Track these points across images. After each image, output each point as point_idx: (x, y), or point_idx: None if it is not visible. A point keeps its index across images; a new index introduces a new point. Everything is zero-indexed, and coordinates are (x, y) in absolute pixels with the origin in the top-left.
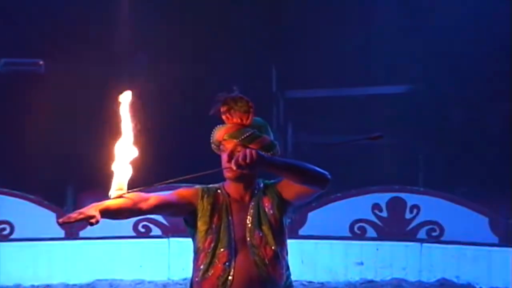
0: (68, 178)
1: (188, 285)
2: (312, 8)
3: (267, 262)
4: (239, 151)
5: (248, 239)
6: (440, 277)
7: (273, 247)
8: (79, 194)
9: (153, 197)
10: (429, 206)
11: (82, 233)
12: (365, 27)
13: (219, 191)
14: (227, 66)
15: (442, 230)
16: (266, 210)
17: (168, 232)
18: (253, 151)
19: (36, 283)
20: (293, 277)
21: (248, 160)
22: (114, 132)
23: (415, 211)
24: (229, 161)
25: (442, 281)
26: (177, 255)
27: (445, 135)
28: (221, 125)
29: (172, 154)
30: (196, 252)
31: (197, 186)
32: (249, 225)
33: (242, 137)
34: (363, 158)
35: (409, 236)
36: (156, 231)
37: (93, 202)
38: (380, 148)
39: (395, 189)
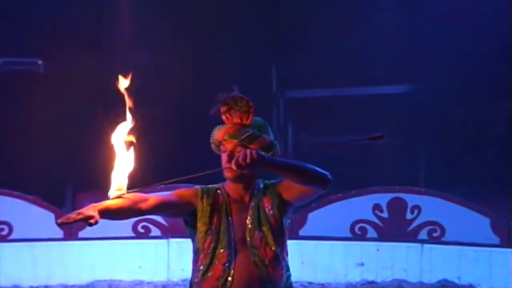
0: (67, 178)
1: (188, 285)
2: (312, 8)
3: (267, 263)
4: (239, 151)
5: (248, 239)
6: (441, 278)
7: (273, 248)
8: (78, 195)
9: (153, 198)
10: (430, 207)
11: (81, 234)
12: (365, 27)
13: (219, 191)
14: (227, 66)
15: (443, 230)
16: (266, 210)
17: (167, 232)
18: (253, 151)
19: (35, 284)
20: (293, 278)
21: (248, 160)
22: (114, 132)
23: (416, 211)
24: (229, 161)
25: (443, 282)
26: (176, 256)
27: (446, 135)
28: (221, 125)
29: (172, 154)
30: (196, 252)
31: (197, 187)
32: (249, 226)
33: (242, 137)
34: (364, 159)
35: (410, 236)
36: (155, 231)
37: (92, 203)
38: (380, 149)
39: (395, 190)
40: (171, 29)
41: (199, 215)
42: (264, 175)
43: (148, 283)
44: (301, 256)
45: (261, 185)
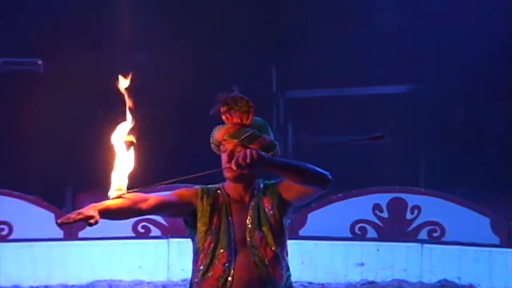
0: (67, 178)
1: (188, 286)
2: (312, 8)
3: (267, 263)
4: (239, 151)
5: (248, 239)
6: (441, 278)
7: (273, 248)
8: (78, 195)
9: (153, 198)
10: (430, 207)
11: (81, 234)
12: (365, 27)
13: (219, 191)
14: (227, 66)
15: (443, 230)
16: (266, 210)
17: (167, 232)
18: (254, 151)
19: (35, 284)
20: (293, 278)
21: (248, 160)
22: (114, 132)
23: (416, 211)
24: (229, 161)
25: (443, 282)
26: (176, 256)
27: (446, 135)
28: (221, 125)
29: (172, 154)
30: (196, 252)
31: (197, 187)
32: (249, 226)
33: (242, 137)
34: (364, 159)
35: (410, 236)
36: (155, 231)
37: (92, 203)
38: (380, 149)
39: (395, 190)
40: (171, 29)
41: (199, 215)
42: (264, 175)
43: (148, 283)
44: (301, 256)
45: (261, 185)
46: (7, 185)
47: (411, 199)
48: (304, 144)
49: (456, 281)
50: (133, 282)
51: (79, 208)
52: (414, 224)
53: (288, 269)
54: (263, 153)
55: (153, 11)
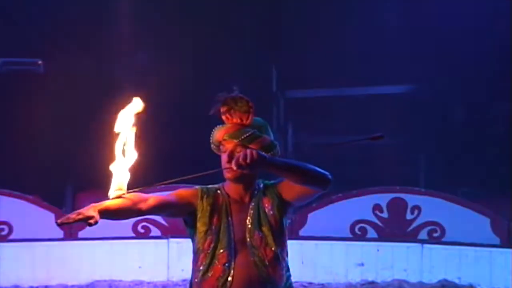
0: (67, 178)
1: (188, 286)
2: (312, 8)
3: (267, 263)
4: (239, 151)
5: (248, 240)
6: (441, 278)
7: (273, 248)
8: (78, 195)
9: (153, 198)
10: (430, 207)
11: (81, 234)
12: (365, 27)
13: (218, 191)
14: (227, 66)
15: (443, 231)
16: (266, 211)
17: (167, 232)
18: (254, 151)
19: (34, 284)
20: (293, 278)
21: (248, 160)
22: (114, 132)
23: (416, 211)
24: (229, 161)
25: (443, 282)
26: (176, 256)
27: (446, 135)
28: (221, 125)
29: (172, 154)
30: (196, 252)
31: (197, 187)
32: (249, 226)
33: (242, 137)
34: (364, 159)
35: (410, 237)
36: (155, 231)
37: (92, 203)
38: (380, 149)
39: (395, 190)
40: (171, 29)
41: (199, 215)
42: (264, 175)
43: (148, 283)
44: (301, 256)
45: (261, 185)
46: (7, 185)
47: (411, 199)
48: (304, 144)
49: (456, 281)
50: (133, 282)
51: (79, 208)
52: (414, 224)
53: (288, 269)
54: (263, 153)
55: (153, 11)
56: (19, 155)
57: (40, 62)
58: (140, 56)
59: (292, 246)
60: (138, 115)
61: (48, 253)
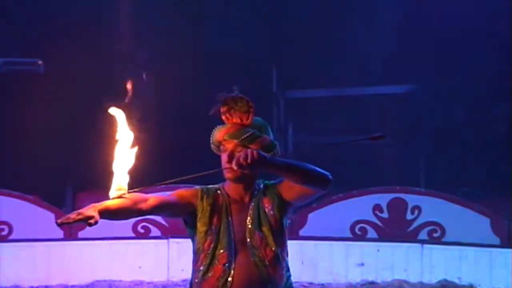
0: (67, 178)
1: (188, 286)
2: (312, 8)
3: (267, 263)
4: (239, 151)
5: (248, 240)
6: (442, 278)
7: (273, 248)
8: (78, 195)
9: (153, 198)
10: (430, 207)
11: (81, 234)
12: (366, 27)
13: (218, 191)
14: (227, 66)
15: (443, 231)
16: (266, 211)
17: (167, 233)
18: (254, 151)
19: (35, 284)
20: (293, 278)
21: (249, 160)
22: (114, 132)
23: (416, 212)
24: (229, 161)
25: (444, 282)
26: (176, 256)
27: (446, 135)
28: (221, 125)
29: (172, 154)
30: (196, 253)
31: (197, 187)
32: (249, 226)
33: (242, 137)
34: (364, 159)
35: (410, 237)
36: (155, 231)
37: (92, 203)
38: (380, 149)
39: (396, 190)
40: (171, 29)
41: (199, 215)
42: (264, 176)
43: (148, 283)
44: (301, 257)
45: (261, 186)
46: (7, 185)
47: (412, 199)
48: (304, 144)
49: (456, 281)
50: (133, 282)
51: (79, 208)
52: (415, 225)
53: (288, 270)
54: (264, 153)
55: (153, 11)
56: (19, 155)
57: (40, 62)
58: (140, 56)
59: (292, 246)
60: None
61: (48, 253)
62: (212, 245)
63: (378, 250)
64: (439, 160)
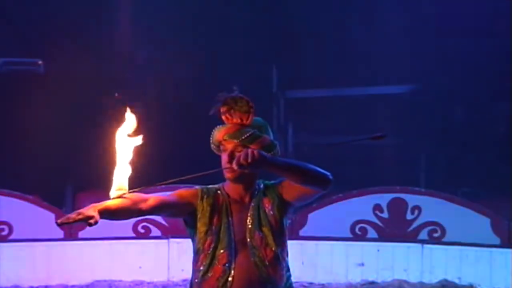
0: (67, 178)
1: (188, 286)
2: (313, 8)
3: (267, 263)
4: (239, 151)
5: (248, 240)
6: (442, 278)
7: (273, 248)
8: (78, 195)
9: (153, 198)
10: (431, 207)
11: (81, 234)
12: (366, 27)
13: (219, 191)
14: (227, 66)
15: (443, 231)
16: (267, 211)
17: (167, 233)
18: (255, 151)
19: (35, 284)
20: (293, 278)
21: (249, 160)
22: (114, 132)
23: (416, 212)
24: (230, 161)
25: (444, 282)
26: (176, 256)
27: (446, 135)
28: (221, 125)
29: (172, 154)
30: (196, 253)
31: (197, 187)
32: (249, 226)
33: (243, 137)
34: (364, 159)
35: (411, 237)
36: (155, 231)
37: (92, 203)
38: (381, 149)
39: (396, 190)
40: (171, 29)
41: (199, 215)
42: (264, 176)
43: (148, 283)
44: (301, 257)
45: (261, 186)
46: (7, 185)
47: (412, 199)
48: (304, 144)
49: (457, 281)
50: (133, 282)
51: (79, 208)
52: (415, 225)
53: (288, 270)
54: (264, 152)
55: (153, 11)
56: (19, 155)
57: (40, 62)
58: (140, 56)
59: (292, 246)
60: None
61: (48, 253)
62: (212, 245)
63: (378, 250)
64: (439, 160)
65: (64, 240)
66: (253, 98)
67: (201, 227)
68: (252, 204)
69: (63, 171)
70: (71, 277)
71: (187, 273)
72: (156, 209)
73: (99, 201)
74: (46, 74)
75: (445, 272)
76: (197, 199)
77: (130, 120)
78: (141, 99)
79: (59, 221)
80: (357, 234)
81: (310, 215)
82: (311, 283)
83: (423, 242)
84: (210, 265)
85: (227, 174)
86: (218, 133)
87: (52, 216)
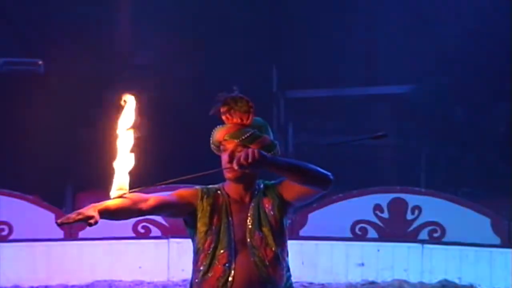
0: (67, 178)
1: (188, 286)
2: (313, 8)
3: (267, 263)
4: (239, 151)
5: (248, 240)
6: (442, 278)
7: (273, 248)
8: (78, 195)
9: (153, 198)
10: (431, 207)
11: (81, 234)
12: (366, 27)
13: (219, 191)
14: (227, 66)
15: (443, 231)
16: (267, 211)
17: (167, 233)
18: (255, 151)
19: (35, 284)
20: (293, 278)
21: (250, 160)
22: (114, 131)
23: (416, 212)
24: (230, 161)
25: (444, 282)
26: (176, 256)
27: (446, 135)
28: (221, 126)
29: (172, 154)
30: (196, 253)
31: (197, 187)
32: (249, 226)
33: (243, 137)
34: (364, 159)
35: (411, 237)
36: (155, 231)
37: (92, 203)
38: (381, 149)
39: (396, 190)
40: (171, 29)
41: (199, 215)
42: (264, 176)
43: (148, 283)
44: (301, 257)
45: (261, 186)
46: (7, 185)
47: (412, 199)
48: (304, 144)
49: (457, 281)
50: (133, 282)
51: (79, 208)
52: (415, 225)
53: (288, 270)
54: (265, 152)
55: (153, 11)
56: (19, 155)
57: (40, 62)
58: (140, 56)
59: (292, 246)
60: (137, 115)
61: (48, 253)
62: (212, 245)
63: (378, 250)
64: (439, 160)
65: (64, 240)
66: (253, 98)
67: (201, 227)
68: (252, 204)
69: (63, 171)
70: (71, 277)
71: (187, 273)
72: (156, 209)
73: (99, 201)
74: (46, 74)
75: (445, 272)
76: (197, 199)
77: (130, 112)
78: (141, 99)
79: (59, 221)
80: (357, 234)
81: (310, 215)
82: (311, 283)
83: (423, 242)
84: (210, 265)
85: (228, 174)
86: (218, 133)
87: (52, 216)
